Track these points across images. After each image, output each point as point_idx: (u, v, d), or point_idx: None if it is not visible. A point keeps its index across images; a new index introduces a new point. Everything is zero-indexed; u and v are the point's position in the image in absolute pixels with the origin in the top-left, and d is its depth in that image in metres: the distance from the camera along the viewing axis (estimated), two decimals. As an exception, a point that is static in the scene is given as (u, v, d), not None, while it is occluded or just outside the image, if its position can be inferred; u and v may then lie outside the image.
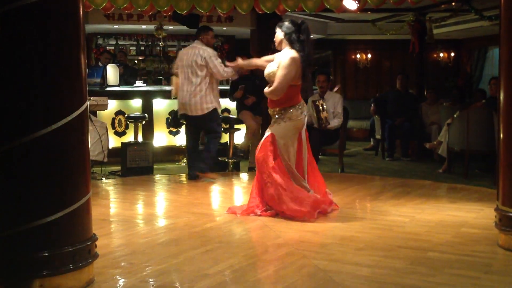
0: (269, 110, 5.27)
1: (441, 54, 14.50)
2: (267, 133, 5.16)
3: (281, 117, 5.10)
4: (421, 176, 7.71)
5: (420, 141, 9.26)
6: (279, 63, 5.05)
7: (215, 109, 6.98)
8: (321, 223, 4.73)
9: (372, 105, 10.17)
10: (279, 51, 5.26)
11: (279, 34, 5.28)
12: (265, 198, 5.05)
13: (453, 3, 9.53)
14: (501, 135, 3.94)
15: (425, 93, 11.25)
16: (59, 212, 3.02)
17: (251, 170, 7.89)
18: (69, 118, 3.04)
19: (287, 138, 5.11)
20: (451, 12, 10.52)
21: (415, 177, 7.61)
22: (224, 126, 8.02)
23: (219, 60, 7.01)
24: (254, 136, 7.94)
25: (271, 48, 10.03)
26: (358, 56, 14.49)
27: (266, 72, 5.19)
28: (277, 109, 5.13)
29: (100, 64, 10.01)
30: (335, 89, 10.02)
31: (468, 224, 4.66)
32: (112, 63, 9.82)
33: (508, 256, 3.79)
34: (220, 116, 7.52)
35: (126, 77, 10.03)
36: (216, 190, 6.68)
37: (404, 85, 9.92)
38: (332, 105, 7.89)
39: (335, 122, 7.80)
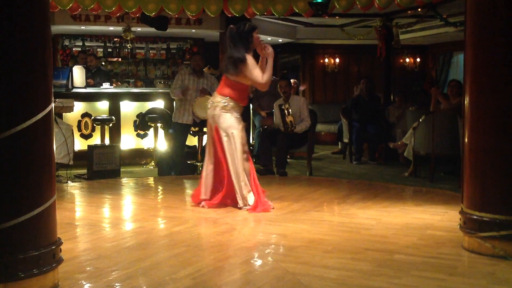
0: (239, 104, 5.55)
1: (407, 59, 14.75)
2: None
3: None
4: (387, 179, 7.80)
5: (387, 145, 9.38)
6: None
7: None
8: (290, 226, 4.74)
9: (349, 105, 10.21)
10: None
11: None
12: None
13: (419, 9, 9.69)
14: (466, 139, 4.01)
15: (392, 97, 11.43)
16: (23, 215, 2.95)
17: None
18: (33, 120, 2.98)
19: None
20: (417, 18, 10.71)
21: (381, 180, 7.70)
22: (193, 129, 8.01)
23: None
24: None
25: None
26: (326, 60, 14.62)
27: None
28: None
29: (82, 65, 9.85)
30: (302, 88, 10.00)
31: (433, 227, 4.72)
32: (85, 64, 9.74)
33: (472, 258, 3.86)
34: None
35: (99, 80, 9.87)
36: (184, 194, 6.64)
37: (368, 89, 10.01)
38: (298, 109, 7.92)
39: (301, 126, 7.84)
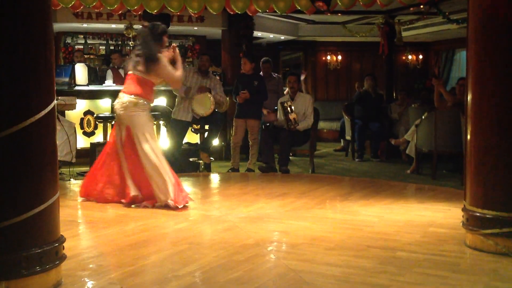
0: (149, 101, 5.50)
1: (410, 56, 14.72)
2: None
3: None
4: (390, 176, 7.80)
5: (389, 142, 9.38)
6: None
7: None
8: (292, 224, 4.74)
9: (354, 99, 10.23)
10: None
11: None
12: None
13: (422, 6, 9.67)
14: (468, 136, 4.01)
15: (394, 94, 11.42)
16: (26, 213, 2.96)
17: (250, 171, 7.95)
18: (36, 117, 2.98)
19: None
20: (420, 15, 10.69)
21: (384, 177, 7.69)
22: (195, 126, 8.00)
23: None
24: (254, 138, 7.98)
25: (242, 49, 10.13)
26: (328, 57, 14.61)
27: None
28: None
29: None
30: (302, 77, 9.95)
31: (436, 224, 4.72)
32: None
33: (475, 255, 3.85)
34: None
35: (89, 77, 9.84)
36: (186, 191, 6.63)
37: (373, 86, 10.02)
38: (303, 106, 7.94)
39: (304, 123, 7.84)
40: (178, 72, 5.58)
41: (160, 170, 5.28)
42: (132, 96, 5.41)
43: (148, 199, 5.36)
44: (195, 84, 7.82)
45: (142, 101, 5.41)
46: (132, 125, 5.36)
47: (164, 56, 5.48)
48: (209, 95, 7.50)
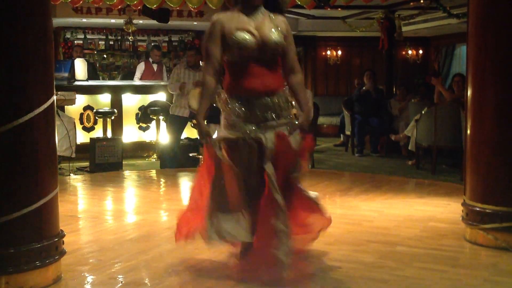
0: (266, 100, 3.43)
1: (410, 52, 14.68)
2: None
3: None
4: (389, 171, 7.79)
5: (389, 137, 9.38)
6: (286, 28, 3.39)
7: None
8: (292, 219, 4.74)
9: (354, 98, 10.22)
10: None
11: None
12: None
13: (422, 1, 9.64)
14: (468, 131, 4.00)
15: (394, 89, 11.41)
16: (26, 208, 2.96)
17: None
18: (35, 112, 2.98)
19: None
20: (420, 9, 10.66)
21: (384, 172, 7.69)
22: (195, 122, 7.99)
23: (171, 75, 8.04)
24: None
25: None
26: (328, 52, 14.57)
27: (275, 39, 3.33)
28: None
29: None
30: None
31: (435, 219, 4.72)
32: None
33: (474, 250, 3.86)
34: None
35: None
36: (186, 186, 6.64)
37: (374, 83, 10.01)
38: (302, 101, 7.92)
39: (304, 118, 7.82)
40: None
41: None
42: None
43: None
44: (188, 80, 7.76)
45: None
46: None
47: None
48: None
